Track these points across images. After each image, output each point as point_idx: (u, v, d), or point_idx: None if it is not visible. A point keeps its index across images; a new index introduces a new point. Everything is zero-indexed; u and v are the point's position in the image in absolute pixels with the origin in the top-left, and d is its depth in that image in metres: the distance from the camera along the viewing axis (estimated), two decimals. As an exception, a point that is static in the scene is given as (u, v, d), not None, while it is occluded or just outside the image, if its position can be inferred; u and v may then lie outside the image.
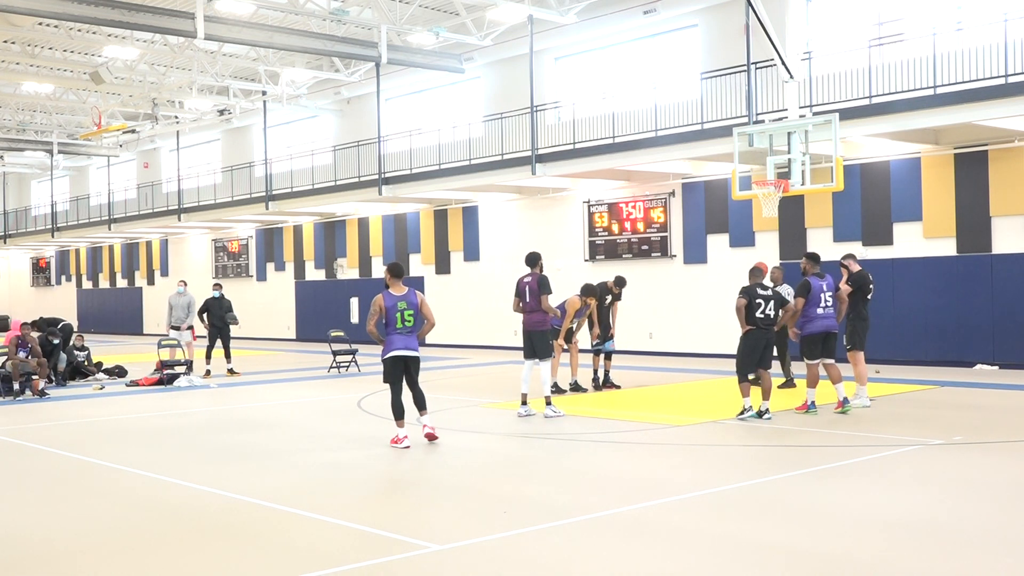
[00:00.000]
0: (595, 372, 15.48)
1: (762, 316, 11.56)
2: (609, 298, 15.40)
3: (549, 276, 13.05)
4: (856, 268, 12.87)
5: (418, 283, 28.29)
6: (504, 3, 21.49)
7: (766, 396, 11.71)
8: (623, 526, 6.88)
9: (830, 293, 12.23)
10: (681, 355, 21.84)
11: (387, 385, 10.50)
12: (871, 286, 12.89)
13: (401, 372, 10.33)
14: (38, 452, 10.69)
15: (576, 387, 15.23)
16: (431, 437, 10.41)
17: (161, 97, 30.11)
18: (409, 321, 10.25)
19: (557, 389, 14.30)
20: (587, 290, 14.80)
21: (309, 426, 12.36)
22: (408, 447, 10.19)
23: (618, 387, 15.50)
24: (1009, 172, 17.41)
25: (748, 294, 11.61)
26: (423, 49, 24.85)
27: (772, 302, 11.61)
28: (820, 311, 12.09)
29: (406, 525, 6.97)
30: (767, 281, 12.89)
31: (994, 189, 17.58)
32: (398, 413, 10.36)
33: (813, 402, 12.11)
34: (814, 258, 12.50)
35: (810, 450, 9.73)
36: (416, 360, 10.36)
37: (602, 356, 15.45)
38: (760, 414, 11.60)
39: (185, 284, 20.31)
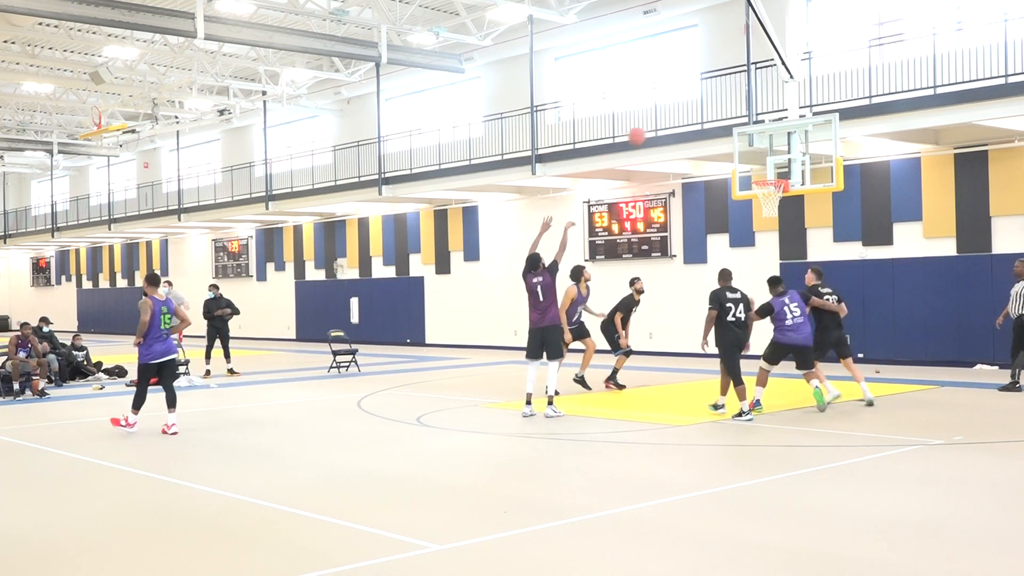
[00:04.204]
0: (615, 372, 15.40)
1: (733, 319, 11.80)
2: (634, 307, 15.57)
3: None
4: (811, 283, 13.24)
5: (418, 283, 28.31)
6: (504, 3, 21.48)
7: (741, 397, 11.76)
8: (623, 526, 6.88)
9: (795, 304, 12.32)
10: (681, 355, 21.83)
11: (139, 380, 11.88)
12: (823, 295, 13.05)
13: (156, 374, 11.78)
14: (38, 452, 10.70)
15: (581, 381, 15.14)
16: (166, 431, 11.59)
17: (161, 97, 30.09)
18: (168, 323, 11.72)
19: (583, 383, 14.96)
20: (577, 273, 14.83)
21: (309, 426, 12.35)
22: (133, 432, 11.60)
23: (623, 387, 15.45)
24: (1009, 172, 17.40)
25: (718, 300, 11.81)
26: (423, 49, 24.84)
27: (741, 305, 11.86)
28: (789, 323, 12.21)
29: (406, 525, 6.97)
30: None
31: (994, 189, 17.57)
32: (139, 404, 11.77)
33: (759, 400, 12.21)
34: (773, 281, 12.56)
35: (810, 450, 9.73)
36: (172, 363, 11.96)
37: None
38: (741, 413, 11.70)
39: (169, 284, 20.79)
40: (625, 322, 15.41)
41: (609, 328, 15.45)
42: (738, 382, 11.77)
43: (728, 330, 11.79)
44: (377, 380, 18.07)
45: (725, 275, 12.13)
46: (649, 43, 23.15)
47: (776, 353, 12.37)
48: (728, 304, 11.77)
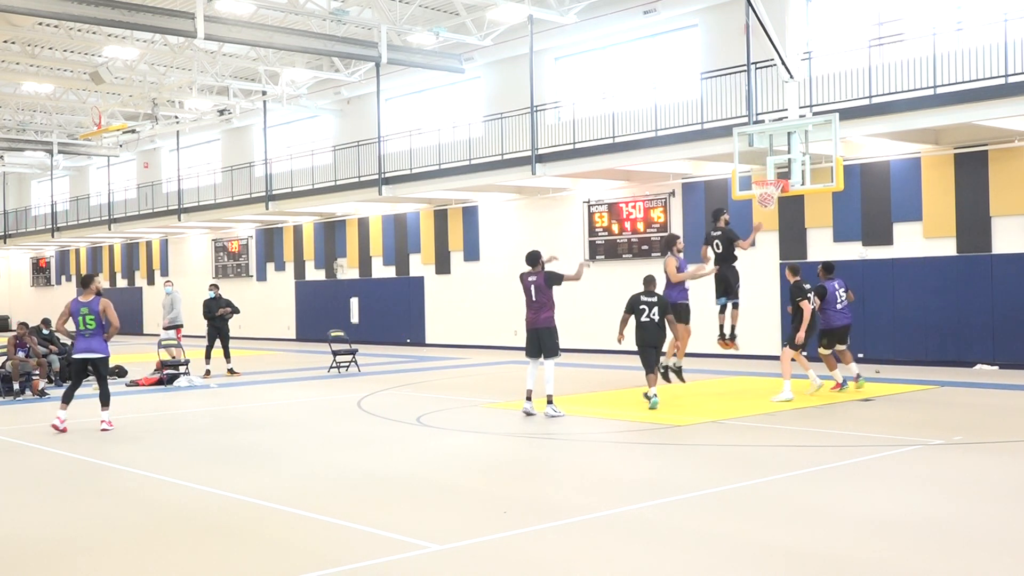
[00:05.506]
0: (721, 327, 15.52)
1: (647, 320, 13.00)
2: (718, 242, 15.23)
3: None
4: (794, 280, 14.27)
5: (418, 283, 28.31)
6: (504, 3, 21.48)
7: (651, 383, 13.02)
8: (623, 526, 6.88)
9: (843, 289, 14.18)
10: (681, 355, 21.80)
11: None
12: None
13: (81, 370, 12.04)
14: (38, 452, 10.69)
15: (677, 372, 14.95)
16: (105, 429, 11.89)
17: (161, 97, 30.09)
18: (91, 324, 11.70)
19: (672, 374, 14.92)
20: (671, 241, 15.01)
21: (309, 426, 12.36)
22: (64, 431, 11.73)
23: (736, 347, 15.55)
24: (1009, 172, 17.40)
25: (630, 305, 13.13)
26: (423, 49, 24.84)
27: (656, 308, 13.03)
28: (838, 306, 14.09)
29: (406, 525, 6.97)
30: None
31: (994, 189, 17.57)
32: (67, 399, 11.98)
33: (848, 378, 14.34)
34: (826, 267, 14.58)
35: (810, 450, 9.73)
36: (100, 360, 11.86)
37: (729, 308, 15.35)
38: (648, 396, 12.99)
39: (170, 283, 21.11)
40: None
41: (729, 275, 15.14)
42: (648, 372, 13.06)
43: (642, 329, 13.03)
44: (377, 380, 18.07)
45: (647, 281, 13.35)
46: (649, 43, 23.14)
47: (826, 338, 14.17)
48: (641, 307, 13.04)
